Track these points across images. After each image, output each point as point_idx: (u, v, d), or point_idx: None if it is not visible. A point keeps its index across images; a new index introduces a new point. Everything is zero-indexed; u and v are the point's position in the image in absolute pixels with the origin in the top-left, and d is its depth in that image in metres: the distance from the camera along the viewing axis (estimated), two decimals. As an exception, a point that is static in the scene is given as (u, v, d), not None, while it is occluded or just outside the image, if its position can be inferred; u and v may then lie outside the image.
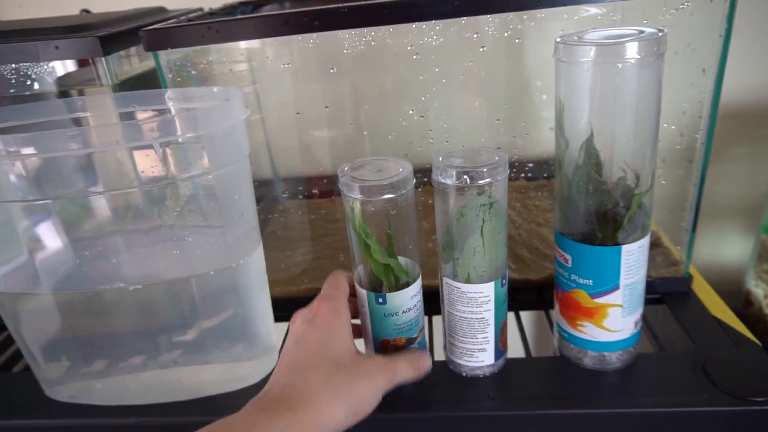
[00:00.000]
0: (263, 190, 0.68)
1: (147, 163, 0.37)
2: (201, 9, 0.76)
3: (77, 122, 0.49)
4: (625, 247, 0.42)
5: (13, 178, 0.39)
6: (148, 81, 0.59)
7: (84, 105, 0.49)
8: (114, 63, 0.52)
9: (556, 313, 0.48)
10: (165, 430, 0.47)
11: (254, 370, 0.50)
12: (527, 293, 0.59)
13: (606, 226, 0.42)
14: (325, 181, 0.62)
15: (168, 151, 0.37)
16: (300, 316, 0.43)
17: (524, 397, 0.45)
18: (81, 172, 0.40)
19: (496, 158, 0.40)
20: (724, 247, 0.87)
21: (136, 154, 0.38)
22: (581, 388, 0.45)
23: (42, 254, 0.43)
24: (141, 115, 0.48)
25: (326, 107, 0.51)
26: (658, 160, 0.44)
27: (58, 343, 0.48)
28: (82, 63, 0.52)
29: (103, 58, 0.50)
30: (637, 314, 0.45)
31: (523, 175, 0.65)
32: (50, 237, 0.42)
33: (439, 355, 0.50)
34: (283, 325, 0.52)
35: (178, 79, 0.49)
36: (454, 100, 0.51)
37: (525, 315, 0.59)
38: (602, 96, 0.39)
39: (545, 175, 0.68)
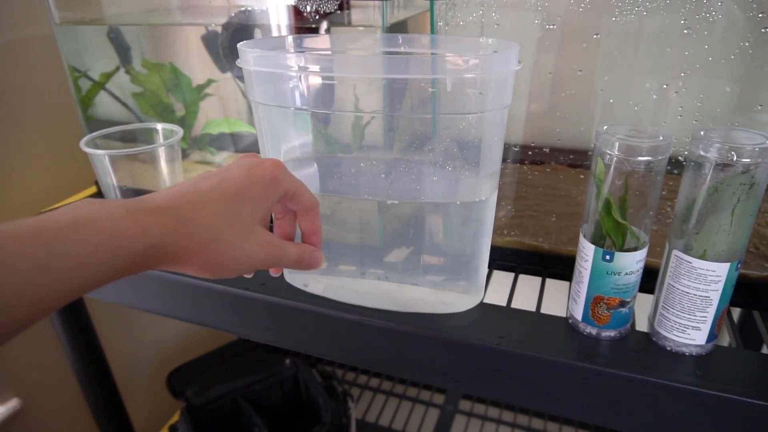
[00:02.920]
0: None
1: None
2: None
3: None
4: None
5: (306, 91, 0.47)
6: (402, 28, 0.66)
7: (357, 40, 0.57)
8: (387, 9, 0.59)
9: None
10: (380, 332, 0.55)
11: (460, 301, 0.56)
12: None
13: None
14: (545, 150, 0.64)
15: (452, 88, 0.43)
16: (252, 157, 0.41)
17: (732, 382, 0.45)
18: (356, 95, 0.48)
19: (766, 141, 0.40)
20: None
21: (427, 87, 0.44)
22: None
23: (315, 160, 0.52)
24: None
25: (580, 71, 0.54)
26: None
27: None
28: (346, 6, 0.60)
29: (384, 3, 0.57)
30: None
31: None
32: (328, 147, 0.51)
33: (641, 326, 0.52)
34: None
35: (447, 27, 0.55)
36: (713, 81, 0.51)
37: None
38: None
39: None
